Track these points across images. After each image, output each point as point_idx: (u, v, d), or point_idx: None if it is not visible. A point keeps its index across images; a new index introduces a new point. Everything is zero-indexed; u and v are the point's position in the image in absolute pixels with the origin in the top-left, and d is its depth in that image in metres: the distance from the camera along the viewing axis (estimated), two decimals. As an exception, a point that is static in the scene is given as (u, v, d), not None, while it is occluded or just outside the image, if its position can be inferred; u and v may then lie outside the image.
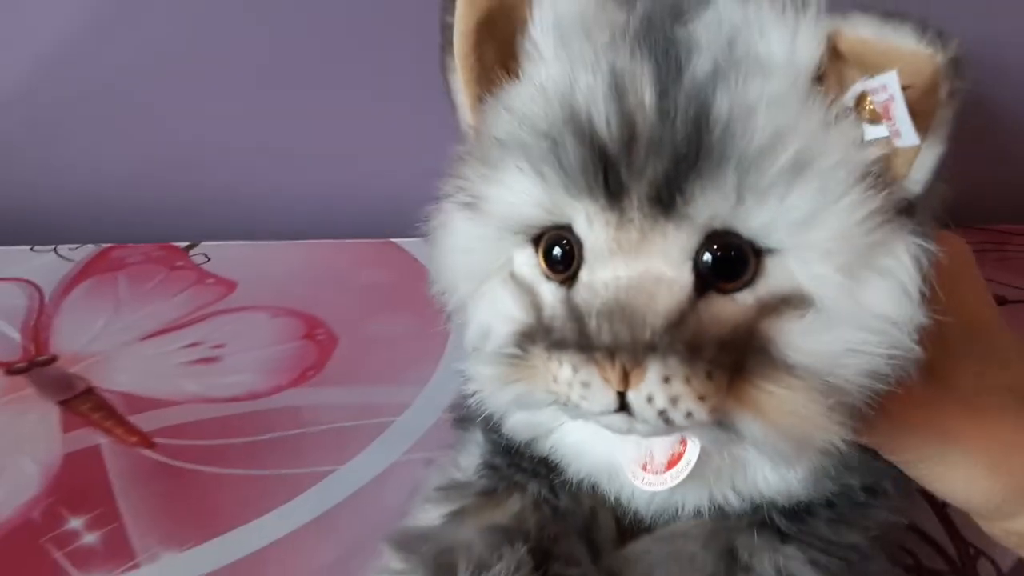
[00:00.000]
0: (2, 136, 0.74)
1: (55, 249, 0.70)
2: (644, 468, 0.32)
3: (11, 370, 0.55)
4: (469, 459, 0.39)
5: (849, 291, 0.28)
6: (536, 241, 0.31)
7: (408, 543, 0.34)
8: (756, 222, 0.28)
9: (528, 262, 0.32)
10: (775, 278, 0.29)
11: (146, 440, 0.49)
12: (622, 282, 0.28)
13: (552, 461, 0.36)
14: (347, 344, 0.59)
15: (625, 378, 0.27)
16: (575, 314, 0.28)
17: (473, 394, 0.36)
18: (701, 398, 0.27)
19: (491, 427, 0.39)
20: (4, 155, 0.74)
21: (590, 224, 0.29)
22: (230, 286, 0.65)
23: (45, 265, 0.68)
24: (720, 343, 0.28)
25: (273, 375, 0.55)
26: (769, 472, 0.32)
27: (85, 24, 0.70)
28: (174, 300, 0.63)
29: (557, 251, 0.30)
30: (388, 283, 0.67)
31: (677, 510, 0.35)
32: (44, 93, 0.72)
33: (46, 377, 0.55)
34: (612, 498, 0.36)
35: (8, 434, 0.50)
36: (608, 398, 0.27)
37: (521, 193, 0.30)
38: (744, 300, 0.29)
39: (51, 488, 0.46)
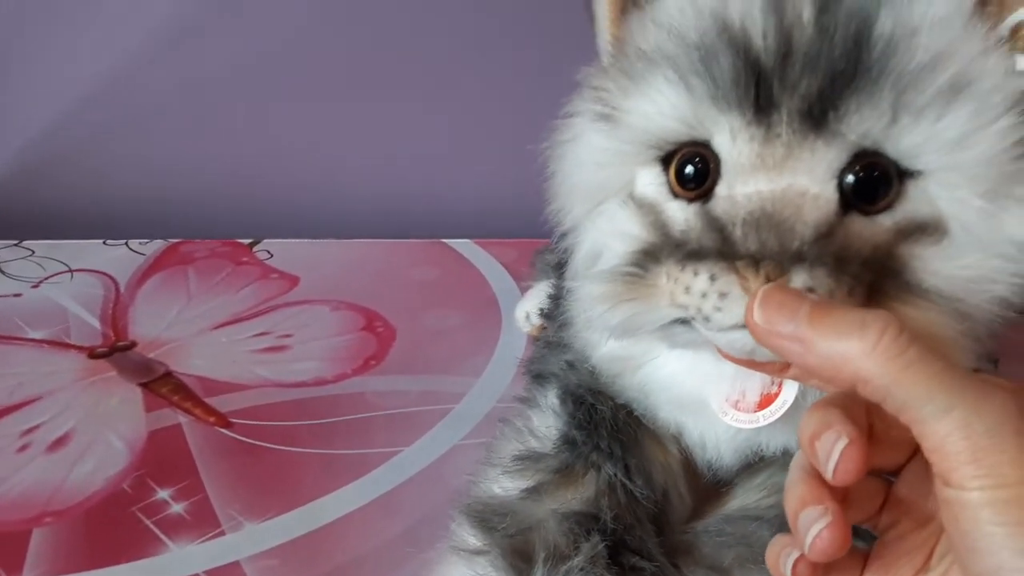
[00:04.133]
0: (77, 138, 0.78)
1: (127, 243, 0.74)
2: (735, 406, 0.33)
3: (94, 354, 0.59)
4: (546, 425, 0.40)
5: (988, 217, 0.28)
6: (666, 161, 0.31)
7: (485, 518, 0.36)
8: (907, 142, 0.28)
9: (654, 181, 0.32)
10: (915, 203, 0.29)
11: (223, 420, 0.53)
12: (766, 195, 0.28)
13: (628, 440, 0.37)
14: (405, 336, 0.62)
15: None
16: (716, 224, 0.28)
17: (546, 348, 0.37)
18: None
19: (571, 392, 0.40)
20: (80, 155, 0.79)
21: (733, 139, 0.29)
22: (293, 281, 0.69)
23: (118, 258, 0.72)
24: (863, 261, 0.28)
25: (338, 363, 0.59)
26: None
27: (160, 36, 0.74)
28: (241, 293, 0.67)
29: (690, 169, 0.30)
30: (439, 280, 0.70)
31: (760, 450, 0.36)
32: (117, 100, 0.76)
33: (127, 361, 0.59)
34: (696, 436, 0.36)
35: (95, 413, 0.54)
36: (744, 309, 0.27)
37: (664, 105, 0.30)
38: (883, 223, 0.29)
39: (138, 462, 0.50)
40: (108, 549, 0.44)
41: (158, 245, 0.74)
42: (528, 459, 0.39)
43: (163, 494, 0.47)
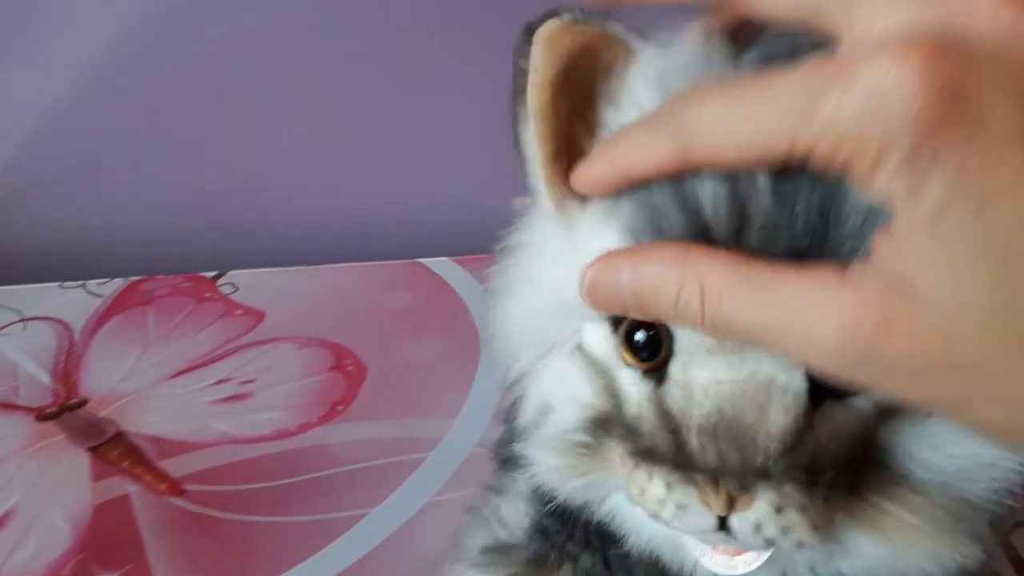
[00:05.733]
0: (28, 175, 0.73)
1: (84, 285, 0.70)
2: (713, 547, 0.30)
3: (42, 416, 0.55)
4: (516, 514, 0.37)
5: None
6: (616, 321, 0.27)
7: None
8: None
9: (603, 342, 0.28)
10: None
11: (175, 487, 0.49)
12: (725, 389, 0.25)
13: (606, 532, 0.33)
14: (376, 374, 0.58)
15: (730, 503, 0.24)
16: (669, 423, 0.25)
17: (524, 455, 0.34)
18: (815, 528, 0.24)
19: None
20: (31, 193, 0.74)
21: None
22: (258, 317, 0.64)
23: (74, 302, 0.67)
24: (838, 460, 0.25)
25: (302, 411, 0.54)
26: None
27: (111, 63, 0.69)
28: (202, 334, 0.62)
29: (640, 336, 0.27)
30: (416, 305, 0.66)
31: None
32: (68, 132, 0.72)
33: (76, 422, 0.54)
34: (675, 566, 0.32)
35: (39, 485, 0.50)
36: (706, 522, 0.24)
37: None
38: (862, 406, 0.25)
39: (82, 543, 0.45)
40: (43, 650, 0.40)
41: (118, 284, 0.70)
42: (497, 551, 0.35)
43: (106, 580, 0.43)
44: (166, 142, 0.73)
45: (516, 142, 0.29)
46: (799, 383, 0.24)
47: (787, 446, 0.24)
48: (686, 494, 0.24)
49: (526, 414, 0.32)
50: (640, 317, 0.25)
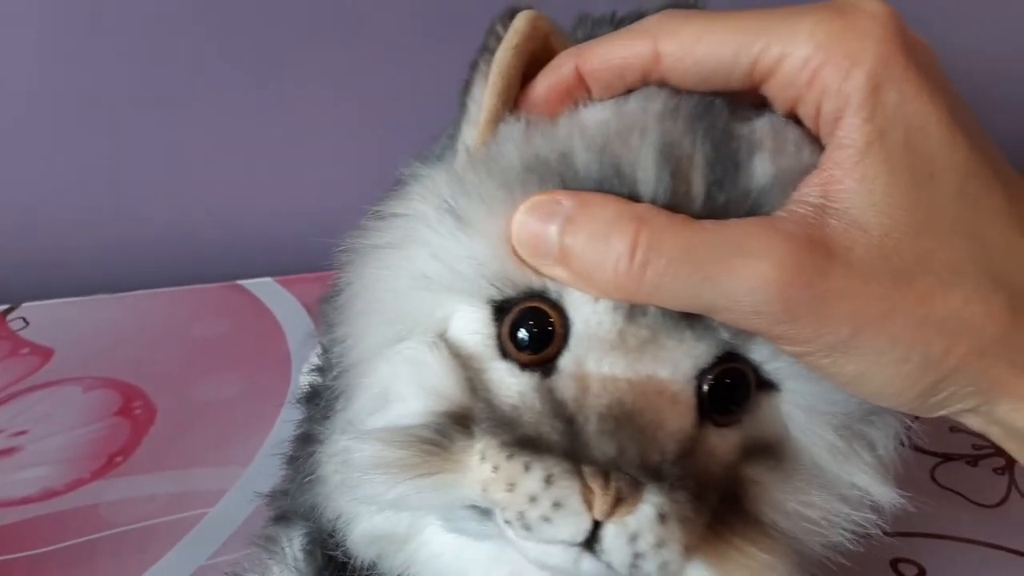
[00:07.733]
0: None
1: None
2: None
3: None
4: None
5: (839, 456, 0.26)
6: (500, 309, 0.26)
7: None
8: (774, 350, 0.25)
9: (480, 329, 0.26)
10: (765, 420, 0.26)
11: (-86, 566, 0.43)
12: (623, 385, 0.23)
13: None
14: (166, 417, 0.53)
15: (614, 504, 0.22)
16: (561, 411, 0.23)
17: (305, 482, 0.31)
18: (685, 549, 0.23)
19: (321, 540, 0.34)
20: None
21: (595, 303, 0.24)
22: (45, 355, 0.58)
23: None
24: (715, 485, 0.24)
25: (75, 465, 0.49)
26: None
27: None
28: (-21, 380, 0.56)
29: (524, 333, 0.25)
30: (227, 334, 0.61)
31: None
32: None
33: None
34: None
35: None
36: (581, 527, 0.22)
37: None
38: (731, 438, 0.25)
39: None
40: None
41: None
42: None
43: None
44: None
45: (465, 93, 0.28)
46: (690, 396, 0.24)
47: (684, 451, 0.23)
48: (568, 489, 0.22)
49: (357, 409, 0.28)
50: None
